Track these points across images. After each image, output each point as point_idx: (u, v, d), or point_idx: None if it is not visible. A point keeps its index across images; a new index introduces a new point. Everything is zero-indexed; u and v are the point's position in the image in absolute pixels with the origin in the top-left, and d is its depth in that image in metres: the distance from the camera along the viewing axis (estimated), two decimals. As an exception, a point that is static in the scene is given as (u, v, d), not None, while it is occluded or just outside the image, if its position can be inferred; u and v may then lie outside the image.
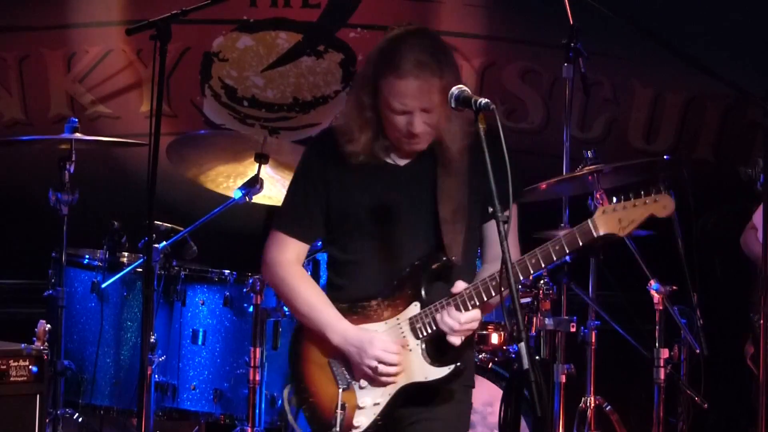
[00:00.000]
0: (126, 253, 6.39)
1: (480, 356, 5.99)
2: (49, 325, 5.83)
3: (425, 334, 4.45)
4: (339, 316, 4.48)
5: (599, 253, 6.39)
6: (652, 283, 6.01)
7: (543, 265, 4.46)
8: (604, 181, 6.12)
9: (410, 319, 4.46)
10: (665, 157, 6.33)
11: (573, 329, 6.17)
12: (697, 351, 6.15)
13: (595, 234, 4.45)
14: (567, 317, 6.20)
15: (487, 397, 5.88)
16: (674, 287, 6.04)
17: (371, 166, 4.51)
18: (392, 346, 4.42)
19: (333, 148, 4.52)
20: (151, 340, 5.95)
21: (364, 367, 4.42)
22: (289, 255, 4.57)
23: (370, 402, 4.44)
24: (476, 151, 4.25)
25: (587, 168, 6.09)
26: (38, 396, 5.55)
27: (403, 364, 4.44)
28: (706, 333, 6.18)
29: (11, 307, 7.63)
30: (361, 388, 4.45)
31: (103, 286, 6.28)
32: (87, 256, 6.40)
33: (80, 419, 6.30)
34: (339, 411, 4.38)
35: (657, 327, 6.07)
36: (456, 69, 4.45)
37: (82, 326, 6.33)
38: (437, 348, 4.48)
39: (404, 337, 4.46)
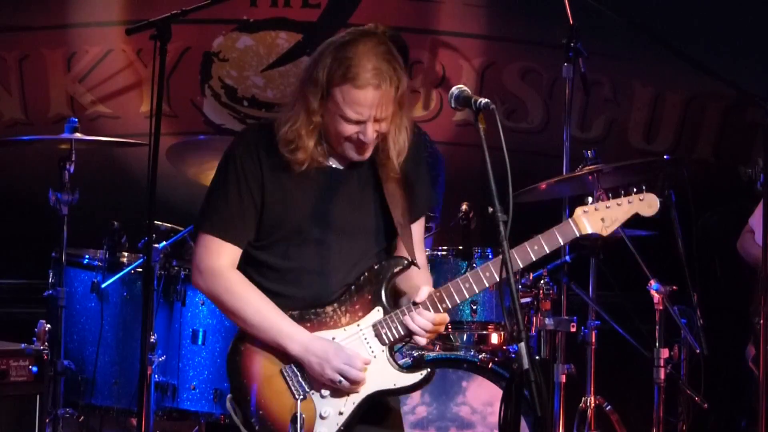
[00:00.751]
0: (126, 253, 6.38)
1: (480, 356, 5.99)
2: (49, 325, 5.84)
3: (391, 339, 4.38)
4: (295, 325, 4.34)
5: (599, 253, 6.39)
6: (652, 283, 6.01)
7: (520, 265, 4.42)
8: (604, 181, 6.12)
9: (374, 324, 4.38)
10: (665, 157, 6.33)
11: (573, 329, 6.17)
12: (697, 351, 6.15)
13: (576, 233, 4.44)
14: (567, 317, 6.20)
15: (487, 397, 5.89)
16: (674, 287, 6.04)
17: (312, 170, 4.39)
18: (357, 361, 4.31)
19: (268, 149, 4.39)
20: (151, 340, 5.95)
21: (325, 380, 4.32)
22: (225, 260, 4.39)
23: (333, 411, 4.35)
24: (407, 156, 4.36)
25: (587, 168, 6.09)
26: (38, 396, 5.56)
27: (369, 371, 4.35)
28: (706, 333, 6.18)
29: (11, 307, 7.63)
30: (322, 397, 4.36)
31: (103, 286, 6.28)
32: (87, 256, 6.39)
33: (80, 419, 6.30)
34: (299, 422, 4.26)
35: (657, 327, 6.07)
36: (406, 74, 4.37)
37: (82, 326, 6.33)
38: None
39: (368, 343, 4.38)
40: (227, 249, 4.40)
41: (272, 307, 4.36)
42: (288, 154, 4.36)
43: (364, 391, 4.36)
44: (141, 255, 6.27)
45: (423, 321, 4.35)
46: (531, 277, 6.17)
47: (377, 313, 4.40)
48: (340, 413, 4.35)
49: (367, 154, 4.40)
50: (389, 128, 4.36)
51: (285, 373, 4.37)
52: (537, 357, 6.08)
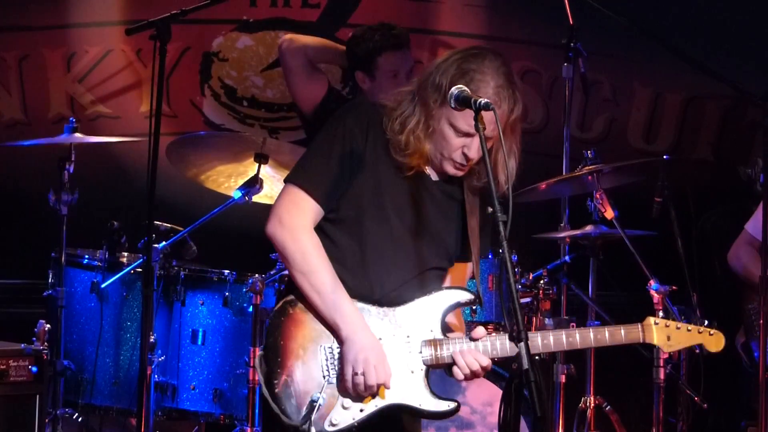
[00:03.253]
0: (126, 253, 6.39)
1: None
2: (48, 325, 5.84)
3: (433, 361, 4.36)
4: (357, 311, 4.31)
5: (599, 253, 6.40)
6: (652, 283, 6.01)
7: (579, 347, 4.48)
8: (603, 180, 6.12)
9: (423, 342, 4.37)
10: (665, 157, 6.34)
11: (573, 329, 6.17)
12: (697, 351, 6.14)
13: (641, 339, 4.48)
14: (567, 317, 6.20)
15: (487, 397, 5.89)
16: (674, 287, 6.04)
17: (407, 168, 4.36)
18: (383, 374, 4.28)
19: (376, 133, 4.34)
20: (151, 340, 5.95)
21: (347, 367, 4.28)
22: (309, 220, 4.33)
23: (355, 406, 4.33)
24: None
25: (587, 168, 6.10)
26: (38, 396, 5.56)
27: (401, 383, 4.35)
28: (706, 333, 6.18)
29: (11, 307, 7.63)
30: None
31: (103, 286, 6.28)
32: (87, 256, 6.40)
33: (80, 419, 6.30)
34: (318, 401, 4.25)
35: (657, 327, 6.06)
36: (522, 102, 4.34)
37: (81, 326, 6.34)
38: (438, 380, 4.43)
39: (411, 356, 4.36)
40: (314, 209, 4.34)
41: (339, 286, 4.31)
42: (401, 158, 4.33)
43: (389, 399, 4.34)
44: (141, 255, 6.27)
45: (472, 360, 4.34)
46: (531, 277, 6.17)
47: (430, 333, 4.38)
48: (361, 410, 4.33)
49: (462, 173, 4.38)
50: (498, 152, 4.35)
51: (323, 351, 4.33)
52: (537, 357, 6.08)
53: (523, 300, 6.13)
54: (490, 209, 4.06)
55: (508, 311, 4.10)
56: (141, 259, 6.25)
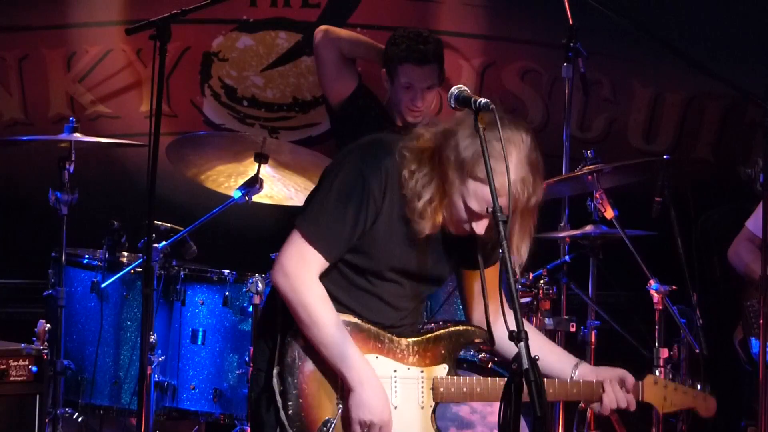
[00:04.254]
0: (126, 253, 6.38)
1: (480, 356, 5.99)
2: (48, 325, 5.84)
3: (443, 399, 4.40)
4: (362, 358, 4.30)
5: (599, 253, 6.40)
6: (652, 283, 6.02)
7: (565, 398, 4.64)
8: (603, 180, 6.12)
9: (435, 378, 4.40)
10: (665, 157, 6.34)
11: (573, 329, 6.17)
12: (697, 351, 6.15)
13: (640, 398, 4.63)
14: (567, 317, 6.20)
15: (487, 396, 5.88)
16: (674, 287, 6.04)
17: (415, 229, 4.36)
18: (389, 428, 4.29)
19: (392, 181, 4.31)
20: (151, 340, 5.95)
21: (354, 420, 4.28)
22: (314, 273, 4.32)
23: None
24: None
25: (587, 168, 6.10)
26: (38, 396, 5.56)
27: (410, 417, 4.37)
28: (706, 333, 6.19)
29: (11, 307, 7.63)
30: None
31: (103, 285, 6.28)
32: (87, 256, 6.40)
33: (80, 419, 6.30)
34: (329, 428, 4.26)
35: (657, 327, 6.07)
36: (543, 189, 4.31)
37: (81, 326, 6.33)
38: (442, 417, 4.53)
39: (422, 391, 4.40)
40: (319, 262, 4.32)
41: (344, 336, 4.31)
42: (416, 223, 4.30)
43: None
44: (141, 255, 6.27)
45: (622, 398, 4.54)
46: (531, 277, 6.17)
47: (443, 369, 4.42)
48: None
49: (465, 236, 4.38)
50: (515, 232, 4.33)
51: (339, 384, 4.35)
52: (537, 357, 6.07)
53: (523, 300, 6.13)
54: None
55: (507, 311, 4.10)
56: (141, 259, 6.24)
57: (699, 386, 4.69)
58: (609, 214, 6.09)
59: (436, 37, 6.45)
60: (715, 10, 8.08)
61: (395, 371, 4.38)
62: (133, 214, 5.78)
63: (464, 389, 4.40)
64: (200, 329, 6.26)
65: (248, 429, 6.05)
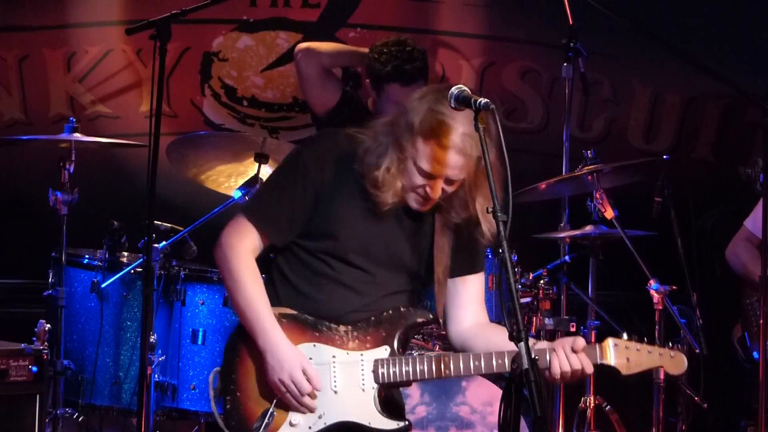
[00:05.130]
0: (126, 253, 6.38)
1: (480, 356, 5.99)
2: (49, 325, 5.84)
3: (386, 380, 4.41)
4: (275, 325, 4.38)
5: (599, 253, 6.40)
6: (652, 283, 6.02)
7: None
8: (603, 180, 6.13)
9: (376, 360, 4.42)
10: (665, 157, 6.34)
11: (573, 329, 6.17)
12: (697, 351, 6.15)
13: (598, 360, 4.46)
14: (567, 317, 6.20)
15: (487, 397, 5.89)
16: (674, 287, 6.05)
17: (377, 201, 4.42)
18: (315, 380, 4.33)
19: (336, 163, 4.41)
20: (151, 340, 5.95)
21: (273, 383, 4.34)
22: (246, 244, 4.46)
23: (303, 423, 4.38)
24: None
25: (587, 168, 6.10)
26: (38, 396, 5.56)
27: (351, 400, 4.39)
28: (706, 333, 6.19)
29: (11, 307, 7.63)
30: None
31: (103, 285, 6.28)
32: (87, 256, 6.39)
33: (80, 419, 6.30)
34: (267, 418, 4.30)
35: (657, 327, 6.07)
36: (495, 151, 4.29)
37: (81, 326, 6.33)
38: (389, 400, 4.45)
39: (363, 374, 4.41)
40: (253, 235, 4.47)
41: (263, 302, 4.41)
42: (376, 193, 4.37)
43: (337, 416, 4.39)
44: (141, 255, 6.27)
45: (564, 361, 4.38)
46: (531, 277, 6.18)
47: (383, 352, 4.43)
48: (309, 427, 4.39)
49: (425, 209, 4.43)
50: (459, 192, 4.37)
51: None
52: (536, 357, 6.08)
53: (523, 300, 6.13)
54: (490, 209, 4.06)
55: (508, 311, 4.09)
56: (141, 259, 6.24)
57: (670, 344, 4.55)
58: (609, 214, 6.10)
59: (420, 49, 6.42)
60: (714, 10, 8.08)
61: (334, 357, 4.41)
62: (133, 214, 5.77)
63: (405, 368, 4.41)
64: (200, 329, 6.26)
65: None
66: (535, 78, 8.16)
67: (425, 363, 4.40)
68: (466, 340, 4.58)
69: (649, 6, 8.01)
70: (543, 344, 4.44)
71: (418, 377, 4.43)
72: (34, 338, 5.74)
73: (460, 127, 4.27)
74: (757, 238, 6.30)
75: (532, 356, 3.92)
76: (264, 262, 4.66)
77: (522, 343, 3.93)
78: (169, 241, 6.18)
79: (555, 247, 6.55)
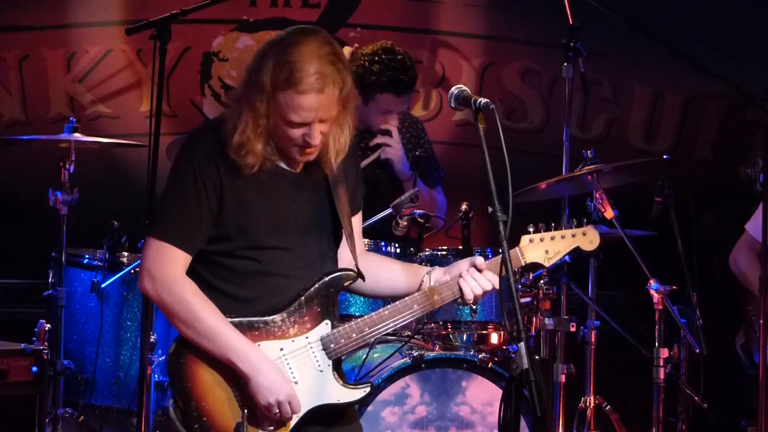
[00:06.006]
0: (126, 253, 6.39)
1: (480, 356, 5.99)
2: (49, 325, 5.84)
3: (338, 354, 4.39)
4: (248, 343, 4.31)
5: (599, 253, 6.39)
6: (652, 283, 6.01)
7: (432, 308, 4.52)
8: (603, 180, 6.12)
9: (322, 338, 4.38)
10: (665, 157, 6.33)
11: (573, 329, 6.17)
12: (697, 351, 6.15)
13: (522, 262, 4.49)
14: (567, 317, 6.19)
15: (486, 396, 5.88)
16: (674, 287, 6.04)
17: (266, 172, 4.36)
18: (295, 404, 4.31)
19: (222, 153, 4.32)
20: (151, 340, 5.95)
21: (262, 405, 4.30)
22: (179, 269, 4.32)
23: (278, 423, 4.34)
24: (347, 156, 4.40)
25: (587, 168, 6.09)
26: (38, 396, 5.56)
27: (313, 385, 4.37)
28: (706, 333, 6.18)
29: (11, 307, 7.63)
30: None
31: (103, 285, 6.28)
32: (87, 256, 6.40)
33: (80, 419, 6.30)
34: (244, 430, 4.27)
35: (657, 327, 6.07)
36: (350, 74, 4.32)
37: (82, 326, 6.34)
38: (342, 371, 4.45)
39: (315, 356, 4.38)
40: (181, 257, 4.33)
41: (225, 323, 4.32)
42: (238, 159, 4.31)
43: (306, 405, 4.36)
44: (141, 255, 6.27)
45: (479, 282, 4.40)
46: (531, 277, 6.17)
47: (326, 327, 4.40)
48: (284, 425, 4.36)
49: (313, 156, 4.37)
50: (333, 128, 4.33)
51: (229, 382, 4.34)
52: (537, 357, 6.08)
53: (523, 300, 6.13)
54: (490, 209, 4.06)
55: (508, 311, 4.09)
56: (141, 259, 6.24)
57: (576, 223, 4.54)
58: (609, 214, 6.09)
59: (409, 55, 6.44)
60: (715, 9, 8.08)
61: (282, 350, 4.37)
62: (133, 214, 5.77)
63: (354, 335, 4.39)
64: (200, 329, 6.25)
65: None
66: (535, 78, 8.16)
67: (367, 323, 4.39)
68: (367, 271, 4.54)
69: (649, 6, 8.01)
70: (441, 274, 4.44)
71: (367, 339, 4.42)
72: (34, 338, 5.74)
73: (310, 68, 4.20)
74: (758, 244, 6.29)
75: (535, 357, 3.92)
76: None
77: (522, 343, 3.92)
78: (169, 241, 6.17)
79: (555, 247, 6.54)
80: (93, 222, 6.42)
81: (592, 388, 6.31)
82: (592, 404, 6.30)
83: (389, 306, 4.44)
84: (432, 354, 5.90)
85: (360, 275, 4.46)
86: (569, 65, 6.42)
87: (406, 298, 4.43)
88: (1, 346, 5.60)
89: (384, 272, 4.58)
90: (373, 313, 4.43)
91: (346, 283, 4.45)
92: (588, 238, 4.57)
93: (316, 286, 4.40)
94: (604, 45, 7.76)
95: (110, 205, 7.15)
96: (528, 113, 8.18)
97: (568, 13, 6.42)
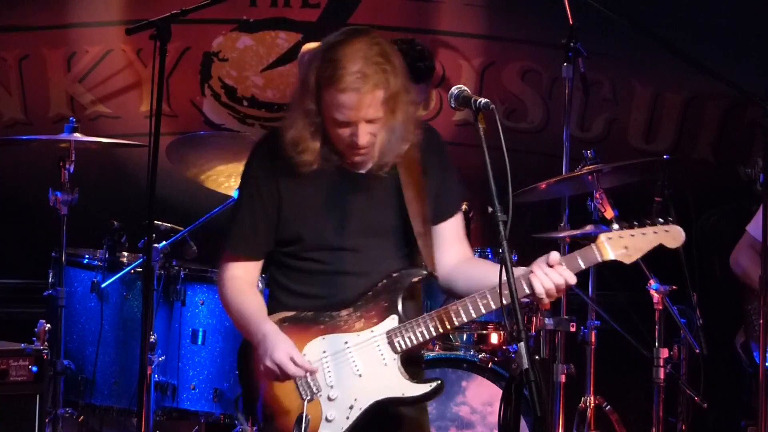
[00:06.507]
0: (126, 253, 6.39)
1: (480, 356, 5.99)
2: (49, 325, 5.84)
3: (404, 348, 4.37)
4: (267, 321, 4.38)
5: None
6: (652, 283, 6.02)
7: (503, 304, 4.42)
8: (603, 180, 6.12)
9: (388, 332, 4.38)
10: (665, 157, 6.33)
11: (573, 329, 6.17)
12: (697, 351, 6.15)
13: (599, 259, 4.38)
14: (567, 317, 6.20)
15: (486, 397, 5.89)
16: (674, 287, 6.04)
17: (329, 173, 4.41)
18: (304, 364, 4.30)
19: (281, 158, 4.40)
20: (151, 340, 5.95)
21: (265, 374, 4.33)
22: (232, 272, 4.49)
23: (340, 416, 4.34)
24: (426, 150, 4.39)
25: (587, 168, 6.10)
26: (38, 396, 5.56)
27: (377, 378, 4.36)
28: (706, 333, 6.19)
29: (11, 307, 7.63)
30: (329, 399, 4.35)
31: (103, 285, 6.28)
32: (87, 256, 6.40)
33: (80, 419, 6.30)
34: (304, 423, 4.27)
35: (657, 327, 6.07)
36: (404, 73, 4.35)
37: (82, 326, 6.34)
38: (413, 365, 4.43)
39: (380, 350, 4.37)
40: (236, 263, 4.50)
41: (254, 310, 4.42)
42: (295, 157, 4.38)
43: (370, 398, 4.35)
44: (141, 255, 6.28)
45: (545, 279, 4.31)
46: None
47: (392, 321, 4.39)
48: (347, 418, 4.35)
49: (364, 157, 4.39)
50: (383, 130, 4.35)
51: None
52: (537, 357, 6.08)
53: (523, 300, 6.12)
54: (490, 209, 4.06)
55: (508, 311, 4.08)
56: (141, 259, 6.25)
57: (661, 221, 4.45)
58: (609, 214, 6.09)
59: (428, 48, 6.44)
60: (714, 9, 8.08)
61: (346, 343, 4.38)
62: (133, 214, 5.78)
63: (419, 329, 4.37)
64: (200, 329, 6.26)
65: (248, 429, 6.05)
66: (535, 78, 8.16)
67: (435, 318, 4.36)
68: (450, 282, 4.53)
69: (649, 6, 8.01)
70: (519, 270, 4.37)
71: (433, 333, 4.38)
72: (34, 338, 5.74)
73: (353, 66, 4.25)
74: (759, 244, 6.29)
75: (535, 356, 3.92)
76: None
77: (522, 343, 3.92)
78: (169, 241, 6.18)
79: (555, 247, 6.54)
80: (93, 222, 6.42)
81: (592, 388, 6.31)
82: (592, 404, 6.31)
83: (458, 301, 4.40)
84: (432, 354, 5.91)
85: (431, 275, 4.45)
86: (569, 65, 6.42)
87: (476, 293, 4.37)
88: (1, 346, 5.60)
89: (477, 273, 4.49)
90: (441, 309, 4.40)
91: (414, 279, 4.43)
92: (671, 235, 4.42)
93: (384, 282, 4.41)
94: (604, 45, 7.76)
95: (110, 205, 7.15)
96: (528, 113, 8.18)
97: (568, 13, 6.42)
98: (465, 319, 4.35)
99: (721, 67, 7.23)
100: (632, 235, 4.40)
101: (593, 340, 6.29)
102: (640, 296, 6.12)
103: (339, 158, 4.42)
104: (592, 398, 6.31)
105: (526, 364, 3.92)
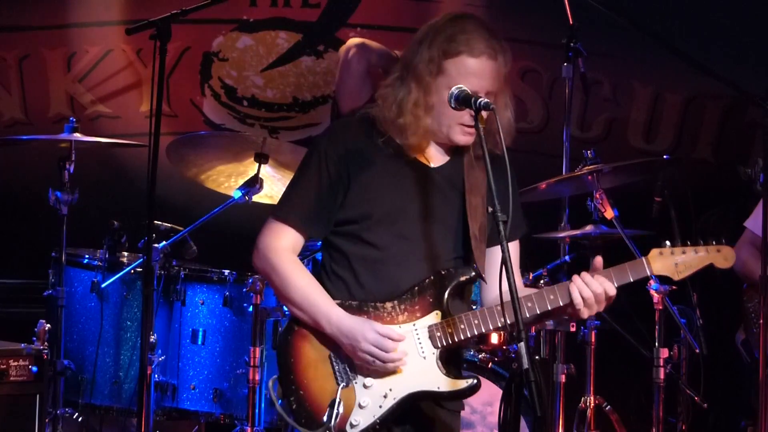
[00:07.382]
0: (126, 253, 6.39)
1: (480, 356, 5.99)
2: (49, 325, 5.84)
3: (444, 344, 4.36)
4: (334, 306, 4.35)
5: (599, 253, 6.39)
6: (652, 283, 6.02)
7: (547, 307, 4.41)
8: (603, 180, 6.12)
9: (429, 327, 4.37)
10: (665, 157, 6.34)
11: (573, 329, 6.17)
12: (697, 351, 6.15)
13: (648, 272, 4.42)
14: (567, 317, 6.19)
15: (487, 397, 5.89)
16: (674, 287, 6.04)
17: (399, 162, 4.40)
18: (387, 342, 4.28)
19: (356, 141, 4.39)
20: (151, 340, 5.95)
21: (359, 362, 4.32)
22: (283, 242, 4.41)
23: (373, 403, 4.34)
24: (496, 168, 4.23)
25: (587, 168, 6.09)
26: (38, 396, 5.56)
27: (415, 371, 4.35)
28: (706, 333, 6.19)
29: (11, 307, 7.63)
30: (365, 387, 4.35)
31: (103, 285, 6.28)
32: (87, 256, 6.40)
33: (80, 419, 6.30)
34: (336, 407, 4.28)
35: (657, 327, 6.07)
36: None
37: (82, 326, 6.34)
38: (452, 361, 4.42)
39: (420, 343, 4.36)
40: (288, 234, 4.41)
41: (316, 289, 4.38)
42: (403, 141, 4.36)
43: (405, 389, 4.34)
44: (141, 255, 6.28)
45: (583, 287, 4.32)
46: (531, 277, 6.17)
47: (435, 317, 4.38)
48: (380, 406, 4.34)
49: (472, 138, 4.37)
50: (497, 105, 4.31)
51: (333, 359, 4.36)
52: (537, 357, 6.08)
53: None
54: (490, 209, 4.06)
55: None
56: (141, 259, 6.25)
57: (714, 242, 4.53)
58: (609, 214, 6.09)
59: None
60: (715, 9, 8.08)
61: (369, 321, 4.36)
62: (133, 214, 5.78)
63: (461, 326, 4.36)
64: (200, 329, 6.26)
65: (248, 429, 6.06)
66: (535, 78, 8.17)
67: (478, 316, 4.36)
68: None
69: (650, 6, 8.01)
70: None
71: (475, 331, 4.37)
72: (34, 338, 5.74)
73: (481, 36, 4.29)
74: (759, 239, 6.30)
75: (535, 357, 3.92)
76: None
77: (522, 343, 3.92)
78: (169, 241, 6.18)
79: (555, 247, 6.55)
80: (93, 222, 6.42)
81: (592, 388, 6.31)
82: (592, 404, 6.30)
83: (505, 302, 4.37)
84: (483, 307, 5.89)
85: (479, 276, 4.43)
86: (569, 65, 6.42)
87: (522, 295, 4.34)
88: (1, 346, 5.60)
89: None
90: (485, 307, 4.40)
91: (462, 278, 4.40)
92: (723, 255, 4.57)
93: (432, 278, 4.40)
94: (604, 45, 7.76)
95: (110, 205, 7.15)
96: (528, 113, 8.18)
97: (568, 13, 6.42)
98: (508, 320, 4.25)
99: (721, 67, 7.23)
100: (684, 252, 4.49)
101: (593, 340, 6.28)
102: (640, 296, 6.12)
103: (418, 149, 4.40)
104: (592, 398, 6.31)
105: (526, 364, 3.92)
